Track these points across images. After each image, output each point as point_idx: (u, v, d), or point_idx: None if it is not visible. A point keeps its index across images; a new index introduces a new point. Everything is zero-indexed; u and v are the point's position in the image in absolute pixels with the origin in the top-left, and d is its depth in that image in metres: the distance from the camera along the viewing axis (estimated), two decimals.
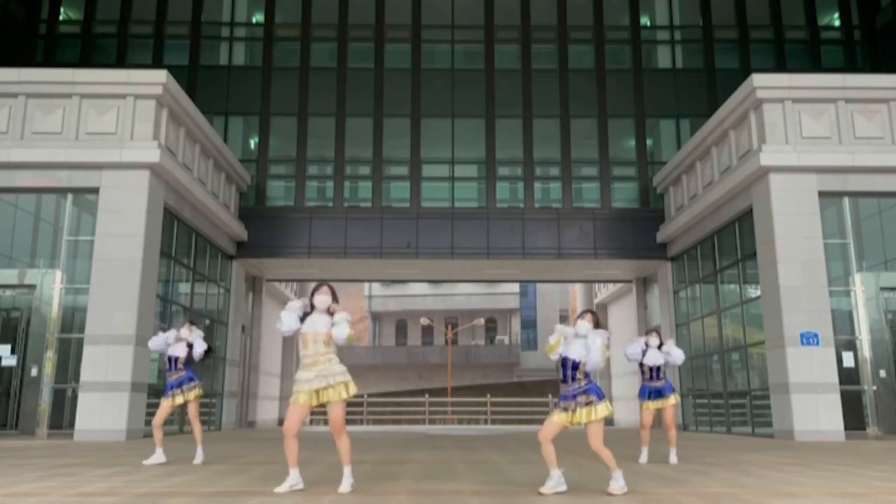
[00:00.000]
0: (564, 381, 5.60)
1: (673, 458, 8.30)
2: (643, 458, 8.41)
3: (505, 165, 20.10)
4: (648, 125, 20.32)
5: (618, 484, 5.46)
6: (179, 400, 8.28)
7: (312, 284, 27.34)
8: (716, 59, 20.58)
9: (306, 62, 20.51)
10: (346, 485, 5.56)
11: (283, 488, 5.54)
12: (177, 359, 8.39)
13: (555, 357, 5.63)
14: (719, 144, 15.87)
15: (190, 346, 8.45)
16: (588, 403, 5.47)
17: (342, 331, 5.48)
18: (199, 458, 8.09)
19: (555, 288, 52.78)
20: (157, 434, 8.15)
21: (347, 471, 5.61)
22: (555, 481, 5.49)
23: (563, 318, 55.26)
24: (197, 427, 8.36)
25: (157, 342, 8.47)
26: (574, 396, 5.52)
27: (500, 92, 20.37)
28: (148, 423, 13.50)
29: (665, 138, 20.35)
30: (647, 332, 8.97)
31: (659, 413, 8.86)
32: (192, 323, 8.70)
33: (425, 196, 19.78)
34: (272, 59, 20.53)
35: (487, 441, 12.97)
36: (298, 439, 5.62)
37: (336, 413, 5.57)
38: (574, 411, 5.48)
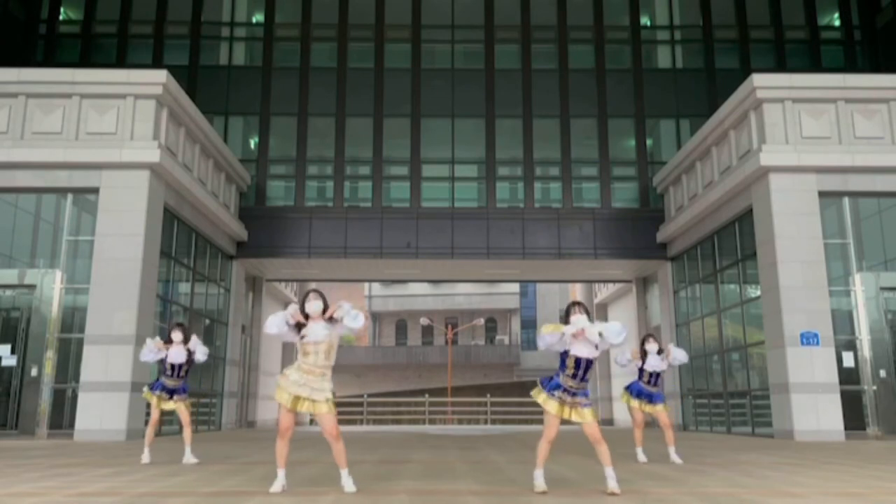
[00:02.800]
0: (574, 377, 5.54)
1: (676, 458, 8.28)
2: (641, 456, 8.41)
3: (505, 165, 20.10)
4: (648, 125, 20.32)
5: (613, 481, 5.45)
6: (170, 406, 8.27)
7: (313, 284, 27.36)
8: (716, 59, 20.58)
9: (306, 62, 20.51)
10: (349, 484, 5.58)
11: (276, 488, 5.56)
12: (180, 366, 8.25)
13: (550, 341, 5.51)
14: (719, 144, 15.87)
15: (190, 351, 8.32)
16: (587, 405, 5.57)
17: (355, 320, 5.47)
18: (191, 458, 8.11)
19: (555, 288, 52.73)
20: (150, 434, 8.22)
21: (345, 473, 5.64)
22: (542, 478, 5.62)
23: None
24: (188, 431, 8.33)
25: (147, 355, 8.31)
26: (574, 395, 5.54)
27: (500, 92, 20.38)
28: (148, 423, 13.52)
29: (665, 138, 20.36)
30: (645, 339, 8.91)
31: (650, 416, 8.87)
32: (181, 326, 8.47)
33: (425, 196, 19.78)
34: (272, 59, 20.53)
35: (487, 441, 12.97)
36: (288, 441, 5.63)
37: (328, 423, 5.54)
38: (573, 408, 5.54)
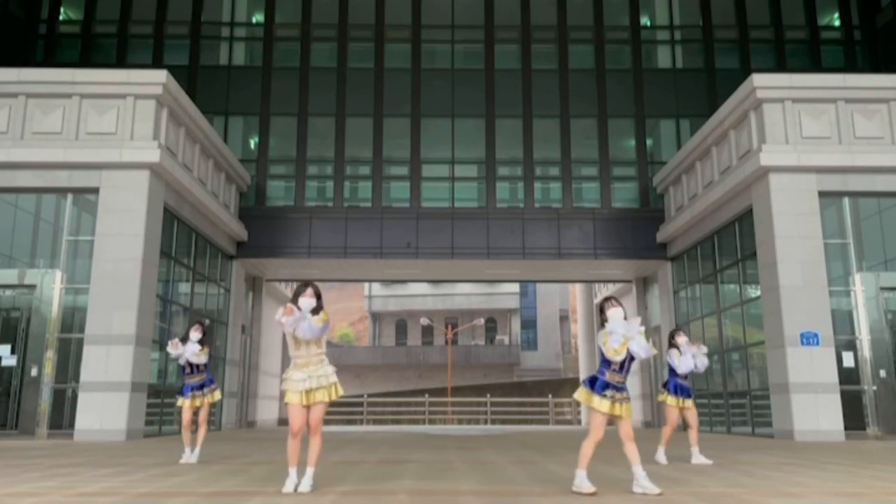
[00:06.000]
0: (620, 371, 5.52)
1: (702, 458, 8.22)
2: (661, 457, 8.29)
3: (505, 165, 20.11)
4: (648, 125, 20.32)
5: (646, 483, 5.38)
6: (198, 402, 8.29)
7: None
8: (716, 59, 20.58)
9: (306, 62, 20.51)
10: (305, 485, 5.51)
11: (288, 488, 5.54)
12: (198, 364, 8.35)
13: (620, 359, 5.48)
14: (719, 144, 15.87)
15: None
16: (627, 399, 5.54)
17: (305, 329, 5.47)
18: (193, 457, 8.10)
19: (555, 288, 52.75)
20: (186, 436, 8.22)
21: (311, 472, 5.58)
22: (587, 479, 5.44)
23: (563, 318, 55.35)
24: (203, 430, 8.36)
25: (172, 352, 8.37)
26: (620, 389, 5.51)
27: (500, 92, 20.38)
28: (148, 423, 13.54)
29: (665, 138, 20.36)
30: (674, 332, 8.81)
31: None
32: (201, 325, 8.55)
33: (425, 196, 19.78)
34: (272, 59, 20.53)
35: (487, 441, 12.97)
36: (301, 440, 5.63)
37: (317, 414, 5.58)
38: (621, 403, 5.48)
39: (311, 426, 5.58)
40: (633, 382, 21.57)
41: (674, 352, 8.64)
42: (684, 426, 9.13)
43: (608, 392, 5.50)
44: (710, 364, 17.08)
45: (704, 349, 8.75)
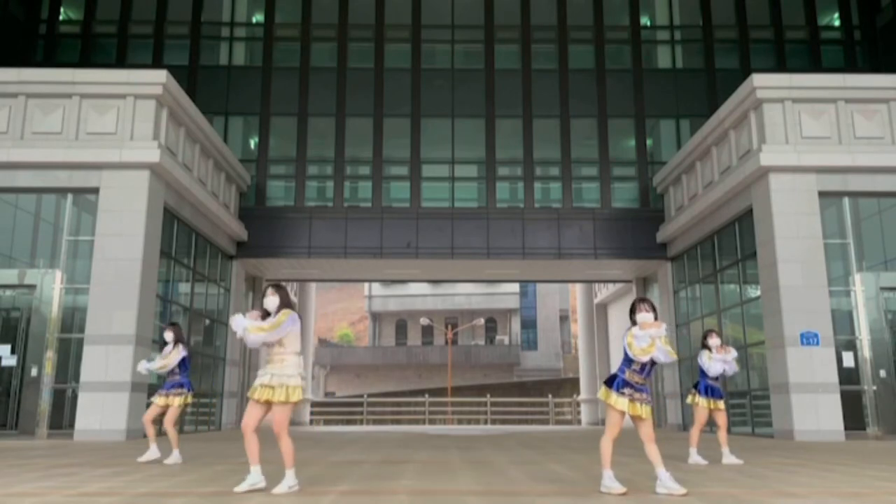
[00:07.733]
0: (641, 372, 5.56)
1: (733, 458, 8.20)
2: (697, 458, 8.22)
3: (505, 165, 20.11)
4: (648, 125, 20.32)
5: (671, 483, 5.40)
6: (162, 402, 8.38)
7: (313, 285, 27.29)
8: (716, 59, 20.59)
9: (306, 62, 20.51)
10: (283, 486, 5.44)
11: (242, 487, 5.48)
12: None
13: (646, 360, 5.52)
14: (719, 144, 15.87)
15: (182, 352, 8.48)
16: (647, 401, 5.58)
17: (248, 337, 5.45)
18: (174, 458, 8.06)
19: (555, 288, 52.76)
20: (149, 431, 8.28)
21: (290, 473, 5.49)
22: (615, 479, 5.53)
23: (563, 318, 55.37)
24: (171, 432, 8.32)
25: (150, 365, 8.49)
26: (640, 390, 5.56)
27: (500, 92, 20.37)
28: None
29: (665, 138, 20.36)
30: (707, 334, 8.82)
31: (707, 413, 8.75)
32: (173, 326, 8.66)
33: (425, 196, 19.78)
34: (272, 59, 20.53)
35: (487, 441, 12.97)
36: (258, 436, 5.56)
37: (278, 415, 5.49)
38: (641, 404, 5.53)
39: (275, 430, 5.50)
40: None
41: (704, 353, 8.66)
42: (711, 427, 9.05)
43: (626, 390, 5.55)
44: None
45: (734, 354, 8.73)
